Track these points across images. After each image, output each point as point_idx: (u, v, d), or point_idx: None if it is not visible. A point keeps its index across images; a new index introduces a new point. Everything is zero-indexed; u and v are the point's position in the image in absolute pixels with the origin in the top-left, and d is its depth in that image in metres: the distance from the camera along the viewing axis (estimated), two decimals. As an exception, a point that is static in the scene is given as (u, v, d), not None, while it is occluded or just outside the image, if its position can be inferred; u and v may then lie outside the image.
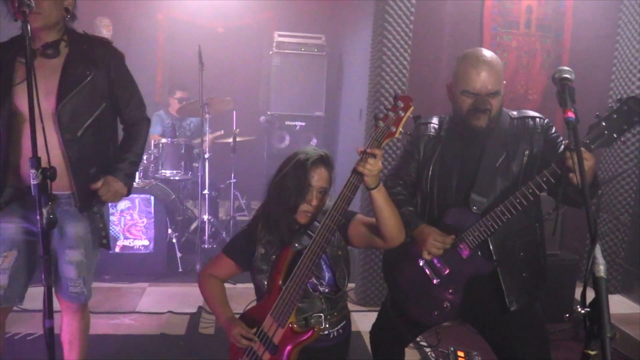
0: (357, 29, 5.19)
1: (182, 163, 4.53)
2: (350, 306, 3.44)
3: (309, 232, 1.88)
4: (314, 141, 5.96)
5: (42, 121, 1.77)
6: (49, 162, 1.76)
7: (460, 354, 3.04)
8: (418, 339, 3.27)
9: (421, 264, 2.02)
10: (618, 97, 1.66)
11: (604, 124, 1.64)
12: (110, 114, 2.25)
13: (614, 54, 3.74)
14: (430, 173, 2.07)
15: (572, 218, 3.62)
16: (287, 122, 5.87)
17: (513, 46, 3.70)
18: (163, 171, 4.51)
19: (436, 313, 2.03)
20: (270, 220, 1.95)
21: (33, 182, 1.70)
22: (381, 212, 1.78)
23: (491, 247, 1.94)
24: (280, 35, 5.89)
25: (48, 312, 1.81)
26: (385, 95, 3.57)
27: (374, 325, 2.36)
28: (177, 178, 4.61)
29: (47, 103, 2.03)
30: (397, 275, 2.14)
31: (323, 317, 1.92)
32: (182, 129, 5.18)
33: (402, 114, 1.71)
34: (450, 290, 1.98)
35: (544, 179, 1.75)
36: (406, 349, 2.72)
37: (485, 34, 3.67)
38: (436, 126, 2.15)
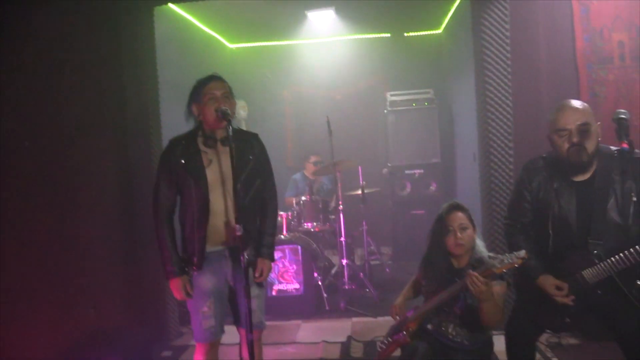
0: (462, 79, 5.70)
1: (321, 216, 5.26)
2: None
3: (456, 279, 2.58)
4: (434, 185, 6.46)
5: (236, 190, 2.52)
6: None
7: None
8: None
9: None
10: None
11: None
12: (259, 189, 2.86)
13: None
14: (550, 216, 2.43)
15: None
16: (406, 171, 6.46)
17: (610, 80, 3.99)
18: (305, 224, 5.27)
19: (557, 324, 2.45)
20: (429, 262, 2.78)
21: (238, 233, 2.43)
22: (482, 308, 2.42)
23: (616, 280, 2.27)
24: (392, 95, 6.60)
25: (250, 327, 2.50)
26: (494, 139, 4.03)
27: (507, 322, 2.75)
28: (316, 230, 5.34)
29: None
30: (529, 288, 2.53)
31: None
32: (316, 190, 5.96)
33: (511, 261, 2.27)
34: (574, 309, 2.36)
35: None
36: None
37: (581, 73, 4.01)
38: (543, 165, 2.52)
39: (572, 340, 3.79)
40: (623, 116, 1.92)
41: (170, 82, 4.58)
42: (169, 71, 4.66)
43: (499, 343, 2.88)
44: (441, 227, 2.71)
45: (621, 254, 2.18)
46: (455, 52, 6.21)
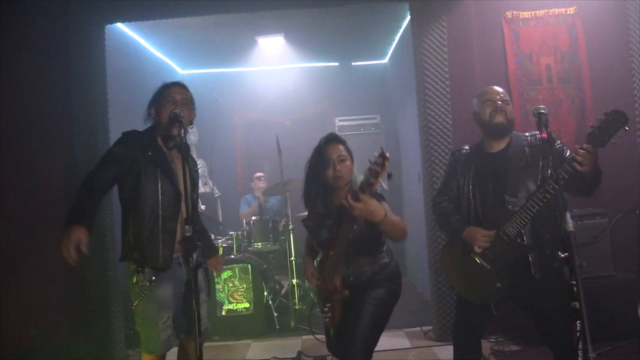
0: (406, 105, 5.96)
1: (271, 236, 5.29)
2: (430, 342, 4.07)
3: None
4: (381, 208, 6.61)
5: (192, 197, 2.57)
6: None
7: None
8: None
9: (474, 257, 2.58)
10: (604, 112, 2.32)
11: (597, 131, 2.28)
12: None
13: (633, 92, 4.25)
14: (471, 183, 2.70)
15: (619, 238, 3.98)
16: (355, 194, 6.59)
17: (540, 99, 4.29)
18: (255, 244, 5.28)
19: (491, 293, 2.56)
20: (308, 198, 2.76)
21: (187, 234, 2.44)
22: (383, 230, 2.41)
23: (524, 233, 2.50)
24: (340, 120, 6.79)
25: (198, 330, 2.48)
26: (435, 155, 4.23)
27: (454, 323, 2.89)
28: (266, 249, 5.35)
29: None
30: (457, 272, 2.72)
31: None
32: (265, 210, 6.00)
33: (376, 165, 2.27)
34: (500, 273, 2.53)
35: (560, 175, 2.30)
36: None
37: (514, 92, 4.29)
38: (468, 150, 2.83)
39: (514, 347, 3.94)
40: (543, 111, 2.15)
41: (120, 104, 4.59)
42: (119, 92, 4.66)
43: (447, 352, 3.02)
44: (320, 159, 2.66)
45: (531, 199, 2.42)
46: (400, 79, 6.49)
